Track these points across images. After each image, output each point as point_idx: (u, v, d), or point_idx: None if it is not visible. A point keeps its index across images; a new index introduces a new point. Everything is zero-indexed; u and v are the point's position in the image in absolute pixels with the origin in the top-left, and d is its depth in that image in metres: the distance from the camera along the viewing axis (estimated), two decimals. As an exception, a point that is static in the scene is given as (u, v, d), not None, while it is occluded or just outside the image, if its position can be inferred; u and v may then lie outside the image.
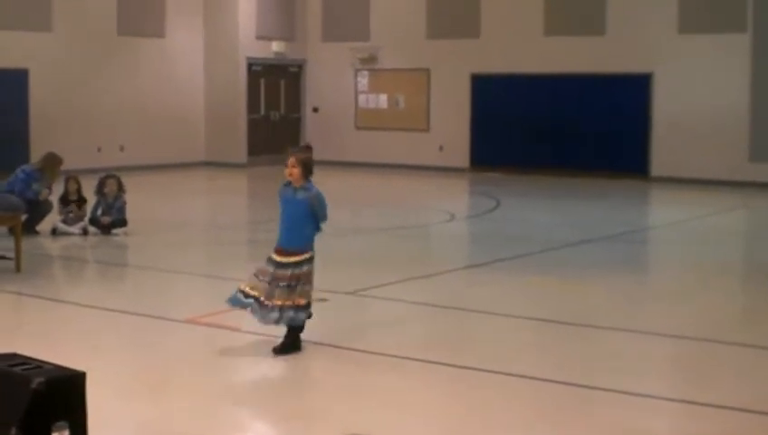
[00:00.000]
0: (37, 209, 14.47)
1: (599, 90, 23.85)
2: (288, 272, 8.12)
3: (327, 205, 8.41)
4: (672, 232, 16.13)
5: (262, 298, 8.10)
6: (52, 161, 14.83)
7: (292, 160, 8.28)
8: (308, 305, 8.24)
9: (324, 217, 8.39)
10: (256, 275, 8.19)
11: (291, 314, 8.11)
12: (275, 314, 8.09)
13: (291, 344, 8.21)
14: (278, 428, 6.64)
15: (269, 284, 8.10)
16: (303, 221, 8.27)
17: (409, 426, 6.54)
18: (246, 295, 8.17)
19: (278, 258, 8.18)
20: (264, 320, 8.15)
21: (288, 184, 8.38)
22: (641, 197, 21.45)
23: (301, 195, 8.29)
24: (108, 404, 6.39)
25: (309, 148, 8.66)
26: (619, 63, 23.51)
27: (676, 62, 22.95)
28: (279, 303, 8.08)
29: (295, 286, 8.12)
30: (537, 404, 7.07)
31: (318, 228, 8.37)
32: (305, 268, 8.19)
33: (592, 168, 23.74)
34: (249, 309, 8.17)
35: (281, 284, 8.10)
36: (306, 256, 8.21)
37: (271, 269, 8.15)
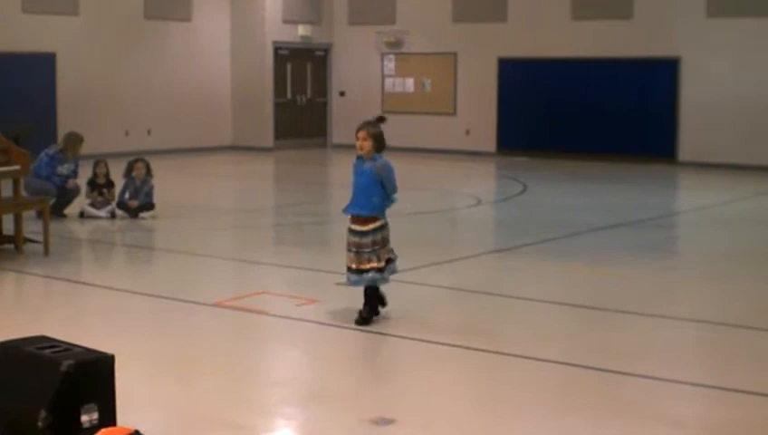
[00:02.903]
0: (65, 193, 14.53)
1: (626, 74, 23.73)
2: (369, 239, 8.45)
3: (395, 176, 8.63)
4: (699, 217, 16.05)
5: (354, 266, 8.49)
6: (72, 140, 14.86)
7: (363, 134, 8.51)
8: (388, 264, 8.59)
9: (394, 189, 8.62)
10: (348, 250, 8.55)
11: (380, 274, 8.50)
12: (369, 276, 8.48)
13: (371, 309, 8.60)
14: (306, 410, 6.65)
15: (357, 253, 8.47)
16: (370, 190, 8.48)
17: (437, 410, 6.54)
18: (350, 270, 8.57)
19: (356, 227, 8.51)
20: (359, 283, 8.53)
21: (359, 157, 8.58)
22: (669, 181, 21.35)
23: (368, 164, 8.47)
24: (136, 386, 6.41)
25: (381, 120, 8.75)
26: (646, 48, 23.39)
27: (703, 46, 22.80)
28: (373, 265, 8.45)
29: (378, 250, 8.46)
30: (564, 389, 7.05)
31: (389, 199, 8.60)
32: (381, 235, 8.52)
33: (619, 152, 23.65)
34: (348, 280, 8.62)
35: (366, 250, 8.44)
36: (378, 223, 8.48)
37: (355, 239, 8.50)
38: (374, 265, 8.47)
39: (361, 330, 8.43)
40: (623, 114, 23.77)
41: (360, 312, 8.55)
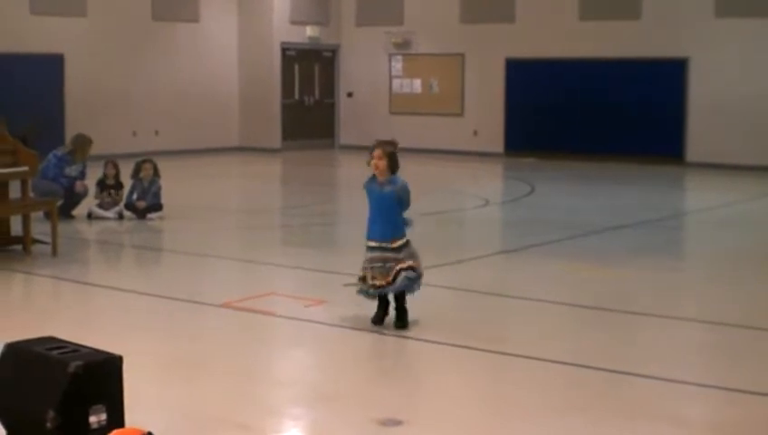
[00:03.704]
0: (72, 194, 14.56)
1: (634, 74, 23.70)
2: (401, 255, 8.39)
3: (410, 195, 8.56)
4: (707, 218, 16.04)
5: (383, 283, 8.38)
6: (81, 142, 14.89)
7: (378, 153, 8.36)
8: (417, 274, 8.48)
9: (408, 206, 8.55)
10: (367, 269, 8.42)
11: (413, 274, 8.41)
12: (404, 277, 8.38)
13: (404, 311, 8.54)
14: (313, 411, 6.66)
15: (384, 265, 8.36)
16: (393, 211, 8.40)
17: (444, 411, 6.54)
18: (370, 289, 8.45)
19: (381, 245, 8.40)
20: (401, 288, 8.43)
21: (373, 178, 8.45)
22: (676, 182, 21.33)
23: (387, 188, 8.38)
24: (144, 387, 6.43)
25: (395, 143, 8.62)
26: (654, 48, 23.36)
27: (712, 46, 22.78)
28: (408, 264, 8.36)
29: (409, 258, 8.40)
30: (571, 389, 7.06)
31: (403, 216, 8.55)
32: (407, 251, 8.44)
33: (627, 153, 23.62)
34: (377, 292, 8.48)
35: (398, 258, 8.36)
36: (403, 241, 8.43)
37: (378, 254, 8.39)
38: (408, 263, 8.36)
39: (370, 331, 8.43)
40: (631, 115, 23.74)
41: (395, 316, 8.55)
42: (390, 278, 8.35)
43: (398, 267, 8.34)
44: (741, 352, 8.12)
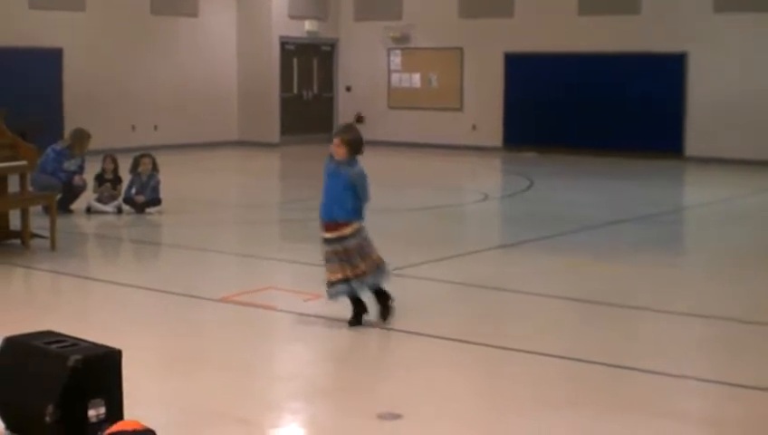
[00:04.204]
0: (71, 188, 14.55)
1: (633, 69, 23.68)
2: (339, 247, 8.20)
3: (368, 185, 8.42)
4: (706, 212, 16.04)
5: (349, 274, 8.25)
6: (79, 136, 14.87)
7: (336, 141, 8.30)
8: (363, 275, 8.28)
9: (366, 198, 8.39)
10: (328, 260, 8.28)
11: (364, 280, 8.26)
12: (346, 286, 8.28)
13: (387, 307, 8.44)
14: (312, 405, 6.65)
15: (338, 261, 8.24)
16: (344, 194, 8.26)
17: (442, 405, 6.54)
18: (332, 283, 8.29)
19: (326, 235, 8.28)
20: (359, 289, 8.32)
21: (332, 157, 8.38)
22: (675, 177, 21.32)
23: (343, 169, 8.28)
24: (143, 381, 6.42)
25: (354, 125, 8.59)
26: (653, 43, 23.34)
27: (711, 41, 22.77)
28: (346, 274, 8.22)
29: (350, 259, 8.20)
30: (570, 384, 7.06)
31: (359, 203, 8.37)
32: (353, 242, 8.22)
33: (626, 147, 23.61)
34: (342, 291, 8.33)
35: (340, 258, 8.21)
36: (349, 229, 8.22)
37: (327, 248, 8.28)
38: (363, 268, 8.23)
39: (369, 325, 8.42)
40: (630, 109, 23.73)
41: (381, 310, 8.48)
42: (356, 271, 8.24)
43: (346, 274, 8.22)
44: (741, 347, 8.11)
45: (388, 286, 8.52)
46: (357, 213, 8.31)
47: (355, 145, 8.32)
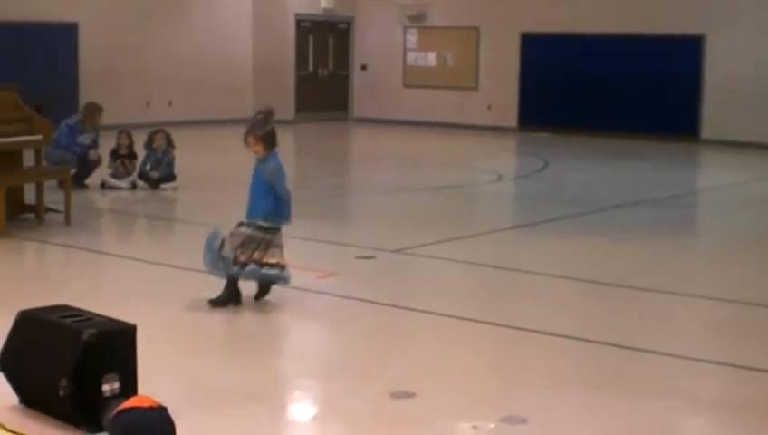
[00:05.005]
0: (86, 163, 14.57)
1: (650, 50, 23.60)
2: (248, 231, 8.08)
3: (284, 179, 8.25)
4: (721, 195, 16.00)
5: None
6: (91, 110, 14.89)
7: (251, 140, 8.09)
8: (247, 264, 8.11)
9: (284, 193, 8.22)
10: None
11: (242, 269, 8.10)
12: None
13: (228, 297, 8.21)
14: (324, 383, 6.67)
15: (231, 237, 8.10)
16: (260, 194, 8.15)
17: (455, 384, 6.55)
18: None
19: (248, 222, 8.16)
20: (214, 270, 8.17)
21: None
22: (691, 159, 21.27)
23: (260, 167, 8.18)
24: (157, 356, 6.43)
25: (264, 118, 8.19)
26: (670, 24, 23.24)
27: (729, 23, 22.65)
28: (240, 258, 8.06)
29: (249, 244, 8.06)
30: (580, 364, 7.07)
31: (283, 204, 8.22)
32: (260, 234, 8.10)
33: (642, 129, 23.54)
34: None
35: (238, 240, 8.06)
36: (263, 223, 8.10)
37: (234, 229, 8.15)
38: (241, 257, 8.04)
39: (380, 303, 8.43)
40: (646, 91, 23.65)
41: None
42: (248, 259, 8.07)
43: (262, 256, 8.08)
44: (752, 330, 8.11)
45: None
46: (270, 215, 8.12)
47: (270, 138, 8.13)
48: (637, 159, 20.40)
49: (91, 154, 14.62)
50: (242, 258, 8.07)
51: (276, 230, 8.20)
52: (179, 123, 22.99)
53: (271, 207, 8.15)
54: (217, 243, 8.10)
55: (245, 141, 8.15)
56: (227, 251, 8.04)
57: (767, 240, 12.14)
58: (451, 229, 12.02)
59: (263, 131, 8.14)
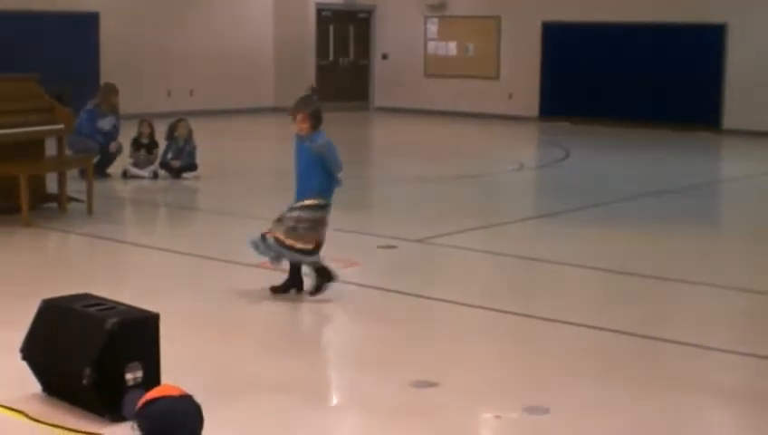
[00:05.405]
0: (107, 152, 14.59)
1: (672, 40, 23.47)
2: (295, 214, 8.09)
3: (336, 153, 8.25)
4: (743, 186, 15.92)
5: (267, 233, 8.12)
6: (106, 91, 14.96)
7: (300, 116, 8.10)
8: (307, 252, 8.13)
9: (338, 167, 8.22)
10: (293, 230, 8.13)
11: (291, 254, 8.11)
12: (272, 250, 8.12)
13: (319, 286, 8.22)
14: (347, 373, 6.68)
15: (277, 221, 8.13)
16: (310, 172, 8.14)
17: (477, 375, 6.55)
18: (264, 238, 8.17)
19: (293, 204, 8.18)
20: (262, 253, 8.19)
21: (299, 136, 8.26)
22: (712, 149, 21.17)
23: (307, 143, 8.16)
24: (178, 346, 6.45)
25: (310, 97, 8.39)
26: (692, 13, 23.11)
27: (750, 12, 22.51)
28: (278, 237, 8.06)
29: (296, 228, 8.06)
30: (604, 354, 7.05)
31: (333, 179, 8.22)
32: (310, 214, 8.09)
33: (663, 119, 23.43)
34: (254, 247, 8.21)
35: (287, 224, 8.07)
36: (313, 201, 8.10)
37: (284, 212, 8.17)
38: (292, 242, 8.05)
39: (402, 293, 8.42)
40: (667, 80, 23.53)
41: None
42: (268, 235, 8.09)
43: (278, 237, 8.07)
44: (777, 321, 8.08)
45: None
46: (321, 191, 8.13)
47: (317, 116, 8.18)
48: (658, 148, 20.31)
49: (112, 147, 14.63)
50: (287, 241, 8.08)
51: (326, 207, 8.19)
52: (200, 112, 23.01)
53: (322, 183, 8.17)
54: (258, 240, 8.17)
55: (293, 117, 8.17)
56: (271, 239, 8.08)
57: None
58: (472, 219, 12.00)
59: (311, 108, 8.21)
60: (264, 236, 8.15)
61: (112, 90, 14.92)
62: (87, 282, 7.59)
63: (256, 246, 8.23)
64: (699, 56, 23.26)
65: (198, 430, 4.09)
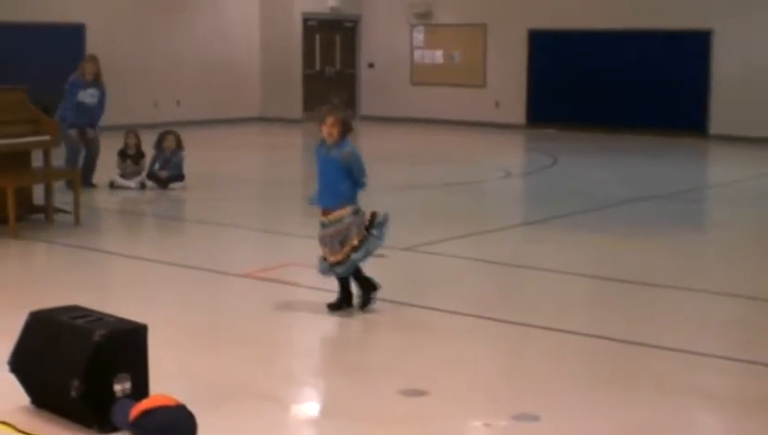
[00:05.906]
0: (88, 150, 14.53)
1: (657, 46, 23.54)
2: (332, 229, 8.06)
3: (362, 160, 8.24)
4: (730, 191, 15.96)
5: (328, 258, 8.10)
6: (83, 61, 15.10)
7: (332, 120, 8.02)
8: (358, 249, 8.10)
9: (363, 174, 8.21)
10: (322, 243, 8.15)
11: (345, 266, 8.09)
12: (339, 269, 8.09)
13: (368, 297, 8.21)
14: (335, 381, 6.66)
15: (326, 245, 8.10)
16: (337, 180, 8.09)
17: (466, 382, 6.54)
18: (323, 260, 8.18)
19: (323, 218, 8.15)
20: (328, 274, 8.17)
21: (323, 142, 8.18)
22: (699, 155, 21.23)
23: (334, 152, 8.09)
24: (166, 356, 6.43)
25: (344, 105, 8.35)
26: (678, 19, 23.18)
27: (737, 18, 22.59)
28: (338, 258, 8.05)
29: (343, 240, 8.05)
30: (593, 361, 7.04)
31: (358, 184, 8.20)
32: (346, 222, 8.07)
33: (650, 125, 23.49)
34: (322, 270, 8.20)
35: (332, 240, 8.05)
36: (344, 211, 8.07)
37: (321, 232, 8.13)
38: (338, 257, 8.02)
39: (391, 301, 8.41)
40: (654, 87, 23.59)
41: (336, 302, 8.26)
42: (342, 257, 8.04)
43: (338, 258, 8.04)
44: (764, 326, 8.08)
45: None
46: (348, 197, 8.12)
47: (347, 123, 8.17)
48: (645, 155, 20.36)
49: (89, 133, 14.57)
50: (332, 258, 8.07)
51: (357, 212, 8.15)
52: (187, 123, 23.01)
53: (351, 188, 8.14)
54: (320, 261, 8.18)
55: (323, 122, 8.06)
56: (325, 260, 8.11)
57: (777, 235, 12.11)
58: (461, 226, 12.01)
59: (343, 115, 8.15)
60: (332, 264, 8.10)
61: (92, 59, 14.99)
62: (74, 293, 7.57)
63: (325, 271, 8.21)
64: (685, 62, 23.33)
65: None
